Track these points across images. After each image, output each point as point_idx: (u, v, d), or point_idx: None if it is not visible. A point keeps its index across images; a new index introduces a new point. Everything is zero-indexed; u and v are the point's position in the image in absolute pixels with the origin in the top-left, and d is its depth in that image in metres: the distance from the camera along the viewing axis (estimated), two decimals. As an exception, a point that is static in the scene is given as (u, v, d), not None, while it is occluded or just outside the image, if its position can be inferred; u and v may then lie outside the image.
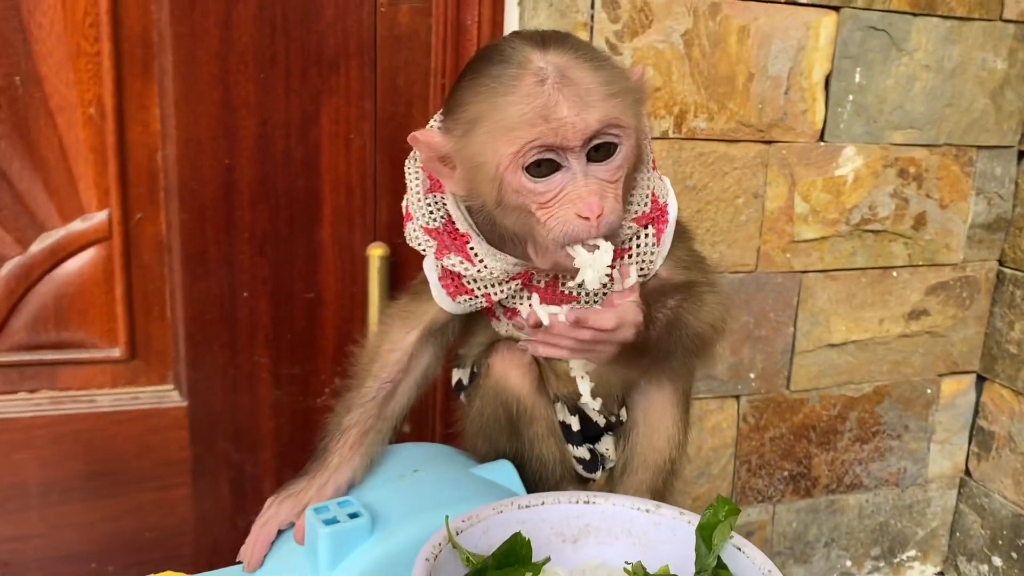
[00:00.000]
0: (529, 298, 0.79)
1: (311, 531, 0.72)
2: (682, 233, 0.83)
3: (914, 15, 1.37)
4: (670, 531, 0.72)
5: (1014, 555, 1.56)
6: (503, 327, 0.84)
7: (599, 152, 0.67)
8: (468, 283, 0.78)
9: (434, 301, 0.81)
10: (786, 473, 1.52)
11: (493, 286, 0.77)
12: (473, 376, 0.88)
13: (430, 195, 0.76)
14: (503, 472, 0.83)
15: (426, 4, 1.17)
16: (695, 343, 0.77)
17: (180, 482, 1.23)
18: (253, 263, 1.19)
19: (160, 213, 1.16)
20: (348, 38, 1.15)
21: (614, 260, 0.70)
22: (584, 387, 0.75)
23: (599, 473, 0.89)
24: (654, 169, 0.79)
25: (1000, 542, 1.58)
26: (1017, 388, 1.54)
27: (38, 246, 1.13)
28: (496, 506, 0.72)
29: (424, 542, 0.65)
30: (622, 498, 0.74)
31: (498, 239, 0.75)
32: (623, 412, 0.89)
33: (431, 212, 0.77)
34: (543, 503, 0.74)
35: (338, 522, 0.71)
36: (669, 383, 0.86)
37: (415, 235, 0.78)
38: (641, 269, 0.78)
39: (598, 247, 0.68)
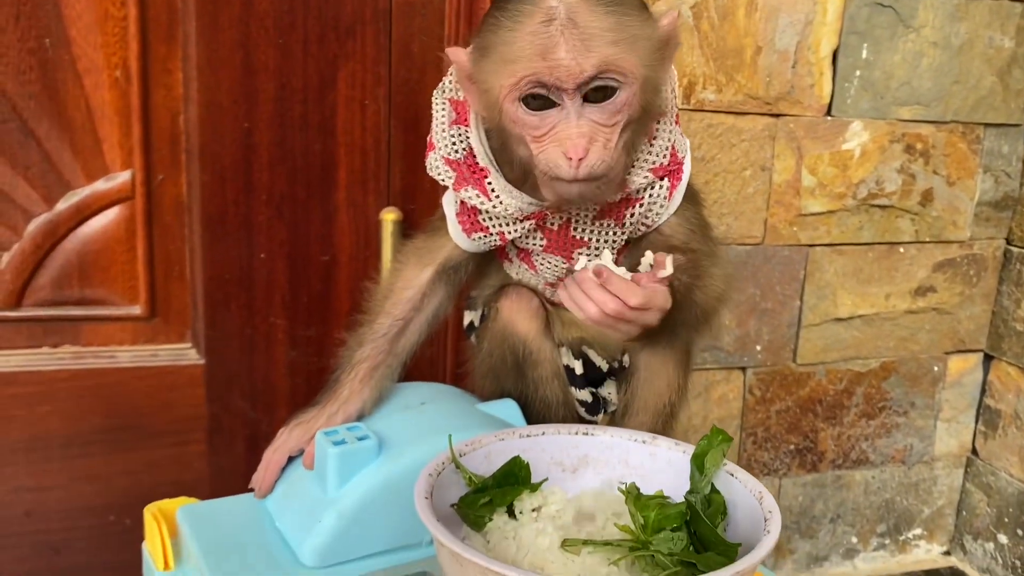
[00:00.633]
0: (542, 240, 0.82)
1: (320, 453, 0.75)
2: (693, 197, 0.84)
3: (921, -8, 1.39)
4: (666, 461, 0.75)
5: (1020, 532, 1.56)
6: (514, 269, 0.87)
7: (597, 93, 0.69)
8: (484, 220, 0.81)
9: (449, 237, 0.83)
10: (792, 447, 1.54)
11: (508, 224, 0.80)
12: (483, 318, 0.90)
13: (454, 127, 0.79)
14: (507, 409, 0.86)
15: (441, -26, 1.21)
16: (701, 318, 0.79)
17: (196, 439, 1.27)
18: (270, 225, 1.22)
19: (181, 174, 1.20)
20: (364, 5, 1.18)
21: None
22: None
23: (601, 416, 0.92)
24: (677, 123, 0.81)
25: (1006, 520, 1.59)
26: (1023, 366, 1.55)
27: (64, 204, 1.17)
28: (498, 434, 0.74)
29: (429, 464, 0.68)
30: (619, 430, 0.77)
31: (515, 177, 0.77)
32: (626, 358, 0.92)
33: (453, 144, 0.79)
34: (543, 433, 0.76)
35: (347, 444, 0.74)
36: None
37: (436, 165, 0.80)
38: (646, 218, 0.81)
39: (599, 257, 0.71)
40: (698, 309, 0.78)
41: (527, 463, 0.72)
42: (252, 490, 0.82)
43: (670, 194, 0.80)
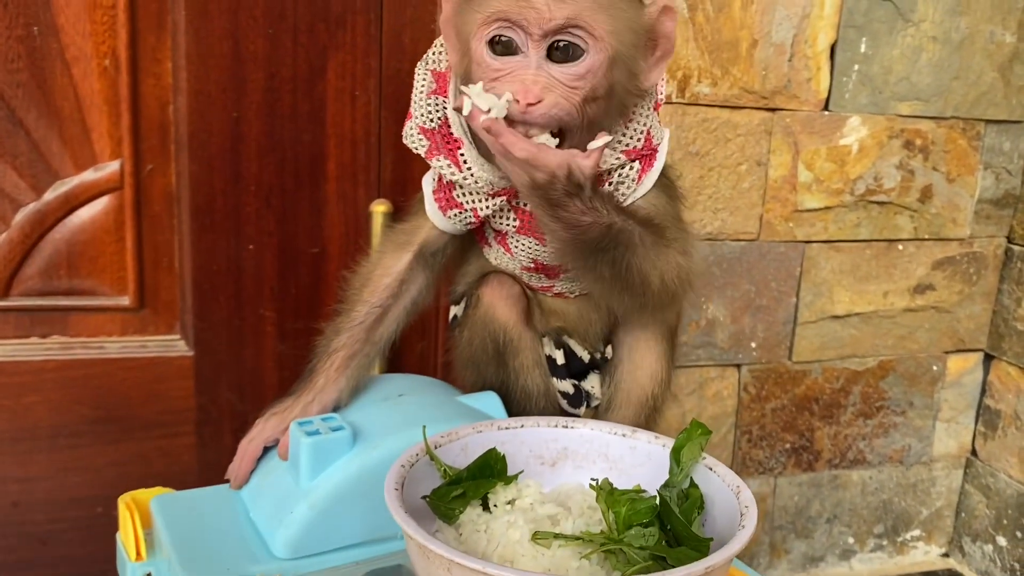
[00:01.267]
0: (515, 220, 0.80)
1: (294, 443, 0.74)
2: (668, 188, 0.83)
3: (921, -14, 1.37)
4: (645, 455, 0.74)
5: (1019, 534, 1.54)
6: (493, 254, 0.86)
7: (563, 53, 0.68)
8: (458, 196, 0.80)
9: (427, 219, 0.83)
10: (788, 445, 1.52)
11: (481, 200, 0.79)
12: (465, 307, 0.90)
13: (432, 96, 0.79)
14: (488, 402, 0.85)
15: (432, -36, 1.20)
16: (637, 283, 0.76)
17: (185, 431, 1.26)
18: (259, 216, 1.22)
19: (170, 164, 1.19)
20: (355, -6, 1.18)
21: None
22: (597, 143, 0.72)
23: (583, 408, 0.90)
24: (656, 110, 0.80)
25: (1005, 522, 1.57)
26: (1024, 366, 1.53)
27: (52, 194, 1.16)
28: (476, 426, 0.73)
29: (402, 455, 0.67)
30: (599, 423, 0.76)
31: (487, 150, 0.76)
32: (608, 350, 0.90)
33: (430, 113, 0.79)
34: (522, 426, 0.75)
35: (320, 434, 0.73)
36: (654, 321, 0.87)
37: (411, 134, 0.80)
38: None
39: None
40: (634, 264, 0.75)
41: (503, 455, 0.71)
42: (228, 480, 0.81)
43: (640, 177, 0.79)
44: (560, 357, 0.88)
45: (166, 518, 0.76)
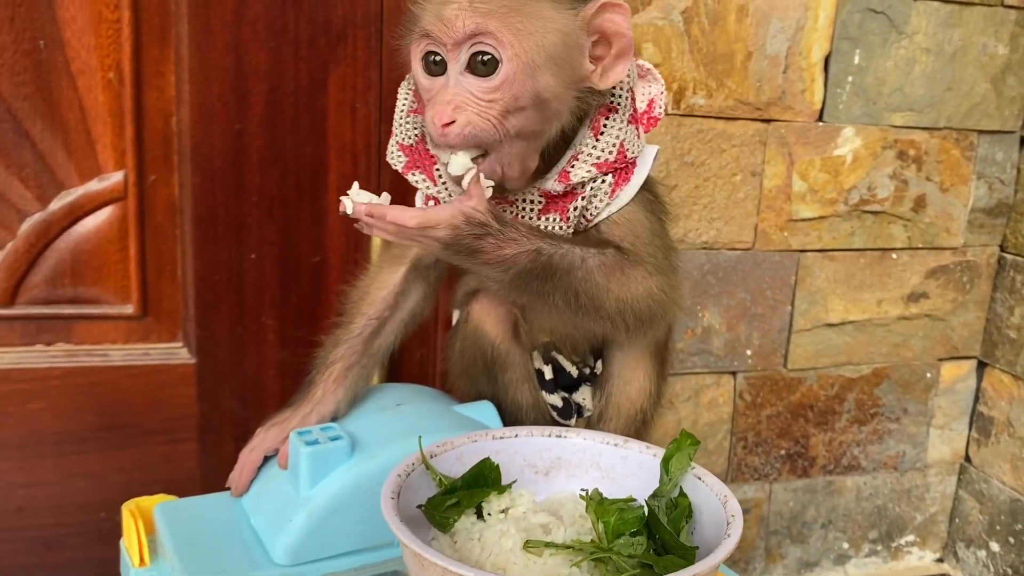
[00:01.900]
0: None
1: (294, 453, 0.76)
2: (650, 205, 0.81)
3: (914, -1, 1.39)
4: (637, 464, 0.75)
5: (1011, 540, 1.56)
6: None
7: (481, 66, 0.68)
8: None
9: None
10: (783, 452, 1.54)
11: None
12: (458, 320, 0.91)
13: (412, 115, 0.81)
14: (484, 411, 0.86)
15: (432, -21, 1.21)
16: (589, 307, 0.75)
17: (187, 437, 1.28)
18: (261, 226, 1.24)
19: (173, 175, 1.21)
20: (356, 8, 1.19)
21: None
22: (465, 180, 0.72)
23: (573, 420, 0.92)
24: (632, 124, 0.80)
25: (998, 527, 1.59)
26: (1017, 373, 1.55)
27: (57, 204, 1.18)
28: (471, 436, 0.75)
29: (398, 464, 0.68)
30: (592, 433, 0.78)
31: None
32: (598, 365, 0.92)
33: (408, 130, 0.81)
34: (516, 435, 0.77)
35: (319, 444, 0.75)
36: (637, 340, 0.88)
37: (391, 150, 0.82)
38: (587, 211, 0.79)
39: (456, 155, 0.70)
40: (580, 290, 0.74)
41: (497, 465, 0.73)
42: (229, 488, 0.83)
43: (613, 191, 0.78)
44: (548, 372, 0.90)
45: (169, 525, 0.77)
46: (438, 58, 0.70)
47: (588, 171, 0.77)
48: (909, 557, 1.68)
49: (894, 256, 1.51)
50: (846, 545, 1.63)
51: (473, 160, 0.71)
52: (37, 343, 1.22)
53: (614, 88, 0.77)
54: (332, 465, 0.75)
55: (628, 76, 0.78)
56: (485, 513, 0.70)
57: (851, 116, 1.41)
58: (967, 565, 1.65)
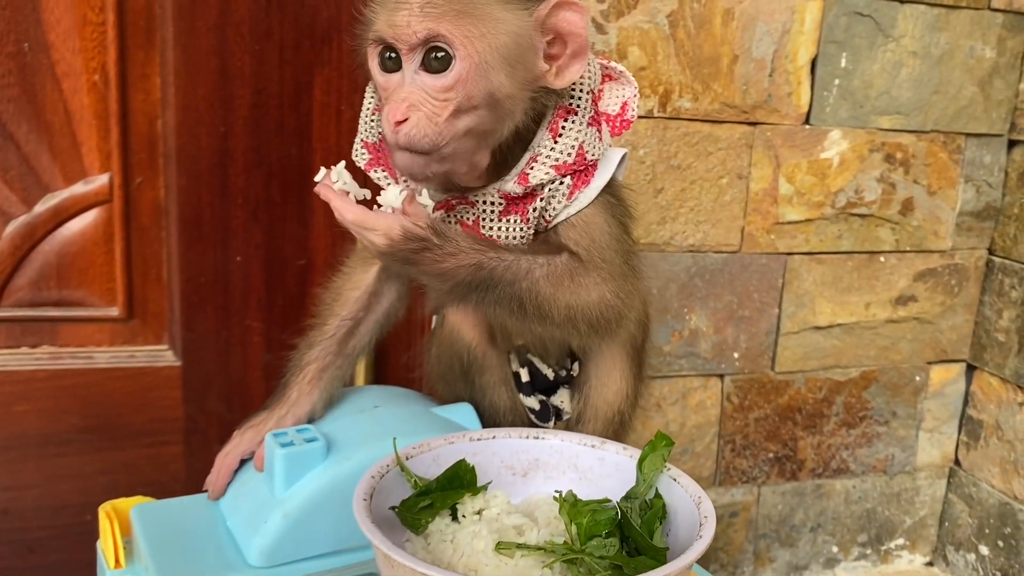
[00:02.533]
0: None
1: (269, 454, 0.76)
2: (612, 208, 0.81)
3: (900, 2, 1.39)
4: (614, 466, 0.75)
5: (1000, 544, 1.56)
6: None
7: (436, 63, 0.69)
8: None
9: None
10: (771, 455, 1.54)
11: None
12: (435, 326, 0.91)
13: (376, 114, 0.81)
14: (463, 414, 0.86)
15: (417, -18, 1.22)
16: (534, 315, 0.76)
17: (173, 440, 1.28)
18: (246, 229, 1.24)
19: (159, 178, 1.21)
20: (341, 11, 1.20)
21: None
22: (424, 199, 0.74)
23: (551, 423, 0.92)
24: (593, 126, 0.79)
25: (987, 531, 1.58)
26: (1006, 376, 1.55)
27: (42, 206, 1.18)
28: (448, 437, 0.75)
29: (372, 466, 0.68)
30: (569, 434, 0.78)
31: None
32: (575, 367, 0.92)
33: (372, 128, 0.81)
34: (494, 437, 0.77)
35: (294, 445, 0.75)
36: (619, 339, 0.88)
37: (356, 148, 0.83)
38: (546, 212, 0.79)
39: (391, 185, 0.72)
40: (525, 298, 0.75)
41: (472, 467, 0.72)
42: (207, 491, 0.83)
43: (570, 195, 0.78)
44: (525, 374, 0.90)
45: (145, 526, 0.77)
46: (393, 54, 0.71)
47: (547, 173, 0.76)
48: (899, 560, 1.68)
49: (882, 259, 1.51)
50: (835, 549, 1.62)
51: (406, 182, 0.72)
52: (22, 345, 1.22)
53: (573, 90, 0.77)
54: (307, 467, 0.75)
55: (590, 78, 0.78)
56: (459, 515, 0.70)
57: (838, 119, 1.41)
58: (957, 568, 1.65)
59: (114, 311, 1.23)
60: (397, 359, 1.32)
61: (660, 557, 0.61)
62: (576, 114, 0.77)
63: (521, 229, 0.79)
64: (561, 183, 0.77)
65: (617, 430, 0.89)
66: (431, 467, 0.73)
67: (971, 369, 1.63)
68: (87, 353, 1.24)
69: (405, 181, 0.83)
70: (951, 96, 1.47)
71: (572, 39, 0.72)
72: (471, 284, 0.72)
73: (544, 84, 0.73)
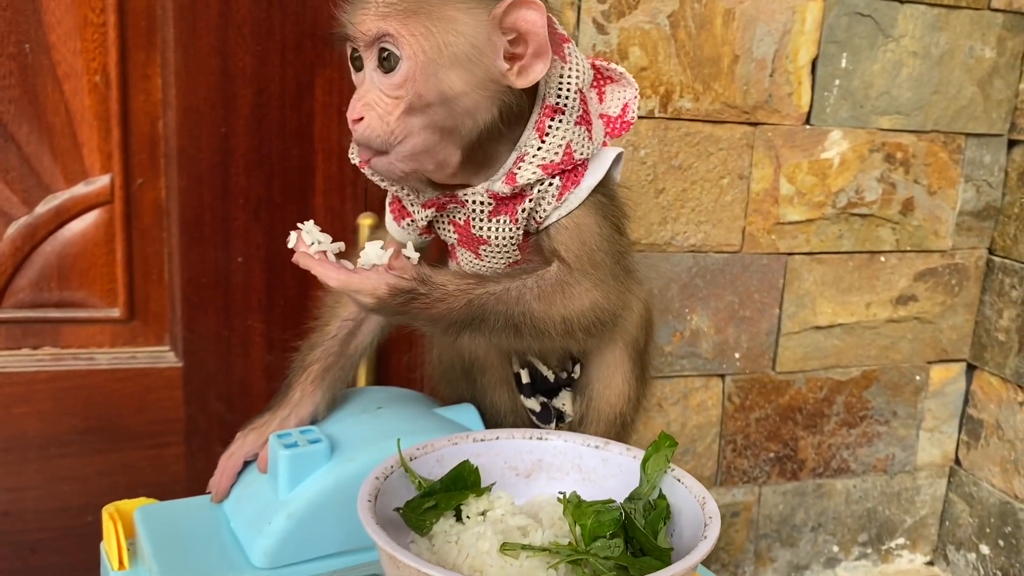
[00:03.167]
0: (454, 233, 0.82)
1: (273, 455, 0.76)
2: (604, 208, 0.80)
3: (900, 2, 1.39)
4: (617, 466, 0.75)
5: (1001, 543, 1.56)
6: (454, 268, 0.88)
7: (386, 62, 0.71)
8: (406, 204, 0.82)
9: (390, 234, 0.85)
10: (772, 455, 1.54)
11: (418, 210, 0.81)
12: None
13: None
14: (466, 414, 0.86)
15: (418, -18, 1.22)
16: (531, 333, 0.76)
17: (174, 441, 1.28)
18: (247, 229, 1.23)
19: (160, 179, 1.21)
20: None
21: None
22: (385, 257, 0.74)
23: (553, 426, 0.92)
24: (581, 125, 0.78)
25: (988, 530, 1.59)
26: (1006, 376, 1.55)
27: (43, 207, 1.18)
28: (451, 438, 0.75)
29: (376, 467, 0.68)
30: (573, 435, 0.78)
31: None
32: (576, 369, 0.92)
33: None
34: (497, 438, 0.77)
35: (298, 446, 0.75)
36: (620, 341, 0.88)
37: (352, 147, 0.83)
38: (536, 214, 0.78)
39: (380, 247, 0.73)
40: (517, 318, 0.76)
41: (476, 467, 0.73)
42: (210, 493, 0.83)
43: (560, 195, 0.77)
44: (525, 376, 0.89)
45: (148, 528, 0.77)
46: (358, 54, 0.73)
47: (534, 172, 0.76)
48: (899, 560, 1.68)
49: (882, 259, 1.51)
50: (836, 548, 1.63)
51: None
52: (23, 347, 1.21)
53: (561, 88, 0.76)
54: (311, 468, 0.75)
55: (578, 76, 0.77)
56: (464, 516, 0.70)
57: (838, 119, 1.41)
58: (957, 568, 1.65)
59: (115, 312, 1.23)
60: (398, 360, 1.32)
61: (665, 558, 0.61)
62: (564, 113, 0.76)
63: (510, 230, 0.78)
64: (550, 184, 0.77)
65: (619, 432, 0.89)
66: (435, 468, 0.73)
67: (971, 368, 1.63)
68: (88, 354, 1.24)
69: (389, 204, 0.84)
70: (951, 96, 1.47)
71: (532, 38, 0.71)
72: (464, 322, 0.74)
73: (507, 83, 0.73)
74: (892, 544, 1.67)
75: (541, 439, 0.77)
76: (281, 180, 1.23)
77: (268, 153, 1.22)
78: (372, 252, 0.72)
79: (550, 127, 0.76)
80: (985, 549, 1.59)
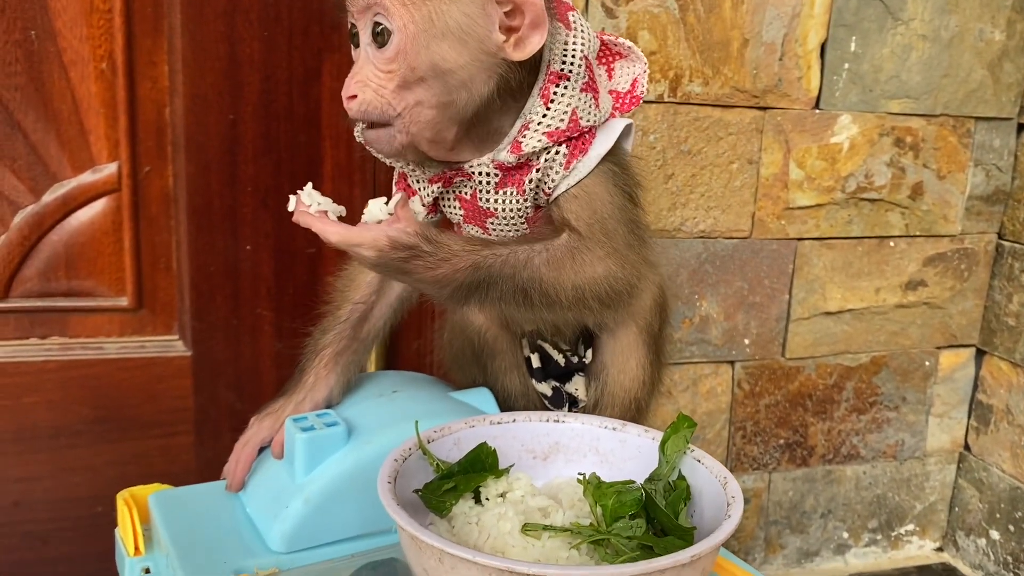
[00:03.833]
0: (459, 209, 0.81)
1: (289, 439, 0.75)
2: (616, 177, 0.78)
3: (910, -15, 1.39)
4: (635, 448, 0.75)
5: (1011, 528, 1.56)
6: None
7: (379, 36, 0.70)
8: (411, 182, 0.81)
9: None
10: (782, 441, 1.53)
11: (424, 187, 0.80)
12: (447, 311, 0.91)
13: None
14: (481, 398, 0.86)
15: (425, -33, 1.21)
16: (541, 302, 0.74)
17: (183, 430, 1.27)
18: (256, 217, 1.23)
19: (167, 166, 1.20)
20: (349, -3, 1.19)
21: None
22: (391, 204, 0.73)
23: (565, 409, 0.91)
24: (587, 92, 0.76)
25: (998, 515, 1.58)
26: (1015, 360, 1.54)
27: (50, 196, 1.18)
28: (468, 421, 0.75)
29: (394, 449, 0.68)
30: (590, 417, 0.77)
31: None
32: (588, 354, 0.91)
33: None
34: (514, 420, 0.77)
35: (315, 430, 0.74)
36: (634, 325, 0.87)
37: (358, 127, 0.81)
38: (544, 184, 0.77)
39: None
40: (525, 284, 0.73)
41: (494, 449, 0.72)
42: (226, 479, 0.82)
43: (568, 163, 0.76)
44: (536, 360, 0.89)
45: (164, 513, 0.77)
46: (355, 30, 0.73)
47: (540, 140, 0.74)
48: (909, 546, 1.68)
49: (892, 244, 1.50)
50: (846, 535, 1.62)
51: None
52: (32, 336, 1.21)
53: (566, 55, 0.75)
54: (328, 451, 0.74)
55: (583, 43, 0.75)
56: (483, 497, 0.69)
57: (848, 103, 1.40)
58: (967, 554, 1.65)
59: (123, 301, 1.23)
60: (408, 345, 1.32)
61: (688, 537, 0.61)
62: (568, 79, 0.75)
63: (518, 201, 0.77)
64: (557, 152, 0.75)
65: (634, 417, 0.88)
66: (452, 451, 0.72)
67: (981, 354, 1.62)
68: (97, 344, 1.23)
69: (396, 183, 0.83)
70: (961, 79, 1.46)
71: (528, 8, 0.70)
72: (471, 286, 0.71)
73: (504, 56, 0.71)
74: (902, 530, 1.66)
75: (558, 421, 0.77)
76: (289, 166, 1.22)
77: (276, 139, 1.21)
78: (375, 208, 0.71)
79: (555, 94, 0.74)
80: (995, 535, 1.59)
